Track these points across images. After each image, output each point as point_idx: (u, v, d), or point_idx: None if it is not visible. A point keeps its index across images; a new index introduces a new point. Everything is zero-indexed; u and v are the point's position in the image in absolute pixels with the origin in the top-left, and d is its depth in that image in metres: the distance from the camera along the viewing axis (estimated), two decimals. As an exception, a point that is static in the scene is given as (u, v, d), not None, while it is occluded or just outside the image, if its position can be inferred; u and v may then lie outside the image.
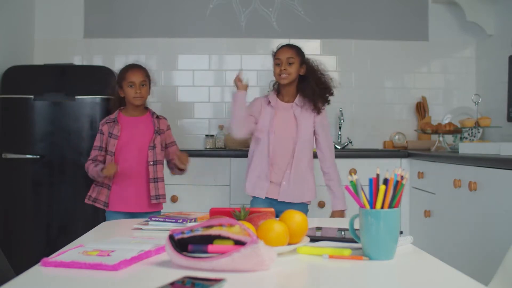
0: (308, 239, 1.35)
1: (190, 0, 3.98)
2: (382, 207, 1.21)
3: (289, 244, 1.27)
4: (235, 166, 3.37)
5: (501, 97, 3.40)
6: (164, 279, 0.98)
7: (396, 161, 3.42)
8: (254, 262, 1.07)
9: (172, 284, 0.96)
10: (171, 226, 1.62)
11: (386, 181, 1.22)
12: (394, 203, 1.22)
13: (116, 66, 3.73)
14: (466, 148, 2.92)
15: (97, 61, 3.94)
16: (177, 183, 3.27)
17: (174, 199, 3.33)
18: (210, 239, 1.12)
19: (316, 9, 3.99)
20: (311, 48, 3.90)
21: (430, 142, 3.76)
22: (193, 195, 3.36)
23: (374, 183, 1.22)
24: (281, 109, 2.79)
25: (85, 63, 3.93)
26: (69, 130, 3.26)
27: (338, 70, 4.00)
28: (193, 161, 2.91)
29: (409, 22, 4.00)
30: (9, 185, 3.28)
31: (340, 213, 2.78)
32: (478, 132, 3.36)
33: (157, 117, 2.83)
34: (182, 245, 1.14)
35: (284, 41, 2.92)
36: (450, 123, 3.56)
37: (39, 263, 1.14)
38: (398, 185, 1.22)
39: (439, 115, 3.96)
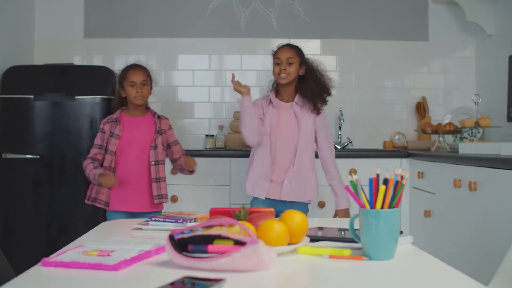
0: (308, 239, 1.35)
1: (190, 0, 3.98)
2: (382, 207, 1.21)
3: (289, 244, 1.27)
4: (235, 166, 3.37)
5: (501, 97, 3.40)
6: (164, 279, 0.98)
7: (396, 161, 3.42)
8: (254, 262, 1.07)
9: (172, 284, 0.96)
10: (171, 226, 1.62)
11: (386, 181, 1.22)
12: (394, 203, 1.22)
13: (116, 66, 3.74)
14: (466, 148, 2.92)
15: (97, 61, 3.94)
16: (177, 183, 3.27)
17: (174, 199, 3.33)
18: (210, 239, 1.12)
19: (316, 9, 3.99)
20: (311, 48, 3.90)
21: (430, 142, 3.76)
22: (193, 195, 3.36)
23: (374, 183, 1.22)
24: (282, 109, 2.79)
25: (85, 63, 3.93)
26: (69, 130, 3.26)
27: (338, 70, 4.00)
28: (193, 161, 2.91)
29: (409, 22, 4.00)
30: (9, 185, 3.27)
31: (344, 212, 2.78)
32: (478, 132, 3.36)
33: (159, 117, 2.83)
34: (182, 245, 1.14)
35: (284, 41, 2.92)
36: (450, 123, 3.56)
37: (39, 263, 1.14)
38: (398, 185, 1.22)
39: (439, 115, 3.96)
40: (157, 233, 1.54)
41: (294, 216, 1.31)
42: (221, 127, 3.84)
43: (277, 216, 1.50)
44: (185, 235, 1.14)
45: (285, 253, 1.26)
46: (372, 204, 1.22)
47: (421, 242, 2.77)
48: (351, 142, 3.91)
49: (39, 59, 3.85)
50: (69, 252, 1.21)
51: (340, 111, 3.89)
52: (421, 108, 3.95)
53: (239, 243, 1.09)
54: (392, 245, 1.21)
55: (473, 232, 2.48)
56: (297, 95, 2.80)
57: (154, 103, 3.44)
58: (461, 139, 3.61)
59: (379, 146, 3.97)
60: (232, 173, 3.37)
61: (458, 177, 2.60)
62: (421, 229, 3.18)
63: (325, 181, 2.86)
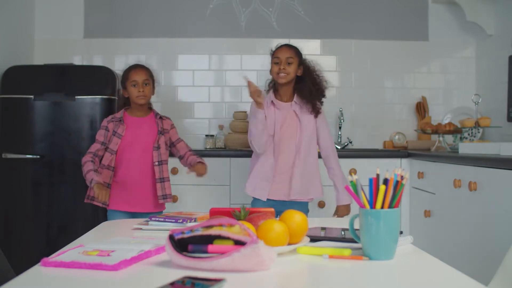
0: (308, 239, 1.35)
1: (190, 0, 3.98)
2: (382, 207, 1.21)
3: (289, 244, 1.27)
4: (235, 166, 3.37)
5: (501, 97, 3.40)
6: (164, 279, 0.98)
7: (396, 161, 3.42)
8: (254, 262, 1.07)
9: (172, 284, 0.96)
10: (171, 226, 1.62)
11: (386, 181, 1.22)
12: (394, 203, 1.22)
13: (116, 66, 3.74)
14: (466, 148, 2.92)
15: (97, 61, 3.94)
16: (177, 183, 3.27)
17: (174, 199, 3.32)
18: (210, 239, 1.12)
19: (316, 9, 3.99)
20: (311, 48, 3.90)
21: (430, 142, 3.76)
22: (193, 195, 3.36)
23: (374, 183, 1.22)
24: (283, 109, 2.79)
25: (85, 63, 3.93)
26: (69, 130, 3.26)
27: (338, 70, 4.00)
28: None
29: (409, 22, 4.00)
30: (9, 185, 3.27)
31: (345, 207, 2.80)
32: (478, 132, 3.36)
33: (161, 117, 2.84)
34: (182, 245, 1.14)
35: (284, 41, 2.92)
36: (450, 123, 3.56)
37: (39, 263, 1.14)
38: (398, 185, 1.22)
39: (439, 115, 3.96)
40: (157, 233, 1.54)
41: (294, 216, 1.31)
42: (221, 127, 3.84)
43: (277, 216, 1.50)
44: (185, 235, 1.14)
45: (285, 253, 1.26)
46: (372, 204, 1.22)
47: (421, 242, 2.77)
48: (351, 142, 3.90)
49: (39, 59, 3.85)
50: (69, 252, 1.21)
51: (340, 111, 3.89)
52: (421, 108, 3.95)
53: (239, 243, 1.09)
54: (392, 245, 1.21)
55: (473, 232, 2.48)
56: (295, 95, 2.80)
57: (154, 103, 3.43)
58: (461, 139, 3.61)
59: (379, 146, 3.97)
60: (232, 173, 3.37)
61: (458, 177, 2.60)
62: (421, 229, 3.18)
63: (326, 181, 2.86)
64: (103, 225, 1.84)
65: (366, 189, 1.23)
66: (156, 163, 2.74)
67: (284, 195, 2.76)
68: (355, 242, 1.29)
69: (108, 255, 1.17)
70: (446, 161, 2.80)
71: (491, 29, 3.72)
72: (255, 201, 2.79)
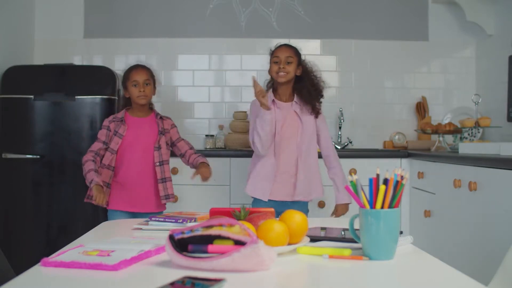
0: (308, 239, 1.35)
1: (190, 0, 3.98)
2: (382, 207, 1.21)
3: (289, 244, 1.27)
4: (235, 166, 3.37)
5: (501, 97, 3.40)
6: (164, 279, 0.98)
7: (396, 161, 3.42)
8: (254, 262, 1.07)
9: (172, 284, 0.96)
10: (171, 226, 1.62)
11: (386, 181, 1.22)
12: (394, 203, 1.22)
13: (116, 66, 3.75)
14: (466, 148, 2.92)
15: (97, 61, 3.94)
16: (177, 183, 3.26)
17: (174, 199, 3.32)
18: (210, 239, 1.12)
19: (316, 9, 3.99)
20: (311, 48, 3.91)
21: (430, 142, 3.76)
22: (193, 195, 3.36)
23: (374, 183, 1.22)
24: (284, 109, 2.79)
25: (85, 63, 3.93)
26: (69, 130, 3.26)
27: (338, 70, 4.00)
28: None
29: (409, 22, 4.00)
30: (9, 185, 3.27)
31: (344, 206, 2.80)
32: (478, 132, 3.36)
33: (161, 117, 2.84)
34: (182, 245, 1.14)
35: (284, 41, 2.92)
36: (450, 123, 3.56)
37: (39, 263, 1.14)
38: (398, 185, 1.22)
39: (439, 115, 3.96)
40: (157, 233, 1.54)
41: (294, 216, 1.31)
42: (221, 127, 3.84)
43: (277, 216, 1.50)
44: (185, 235, 1.14)
45: (285, 253, 1.26)
46: (372, 204, 1.22)
47: (421, 242, 2.77)
48: (351, 142, 3.90)
49: (39, 59, 3.85)
50: (69, 252, 1.20)
51: (340, 111, 3.89)
52: (421, 108, 3.95)
53: (239, 243, 1.09)
54: (392, 245, 1.21)
55: (473, 232, 2.48)
56: (295, 95, 2.81)
57: (154, 103, 3.44)
58: (461, 139, 3.61)
59: (379, 146, 3.97)
60: (232, 173, 3.37)
61: (458, 177, 2.60)
62: (421, 229, 3.18)
63: (326, 181, 2.86)
64: (103, 225, 1.83)
65: (366, 189, 1.23)
66: (158, 164, 2.74)
67: (286, 195, 2.76)
68: (355, 242, 1.29)
69: (108, 255, 1.17)
70: (446, 161, 2.80)
71: (491, 29, 3.72)
72: (256, 201, 2.79)
